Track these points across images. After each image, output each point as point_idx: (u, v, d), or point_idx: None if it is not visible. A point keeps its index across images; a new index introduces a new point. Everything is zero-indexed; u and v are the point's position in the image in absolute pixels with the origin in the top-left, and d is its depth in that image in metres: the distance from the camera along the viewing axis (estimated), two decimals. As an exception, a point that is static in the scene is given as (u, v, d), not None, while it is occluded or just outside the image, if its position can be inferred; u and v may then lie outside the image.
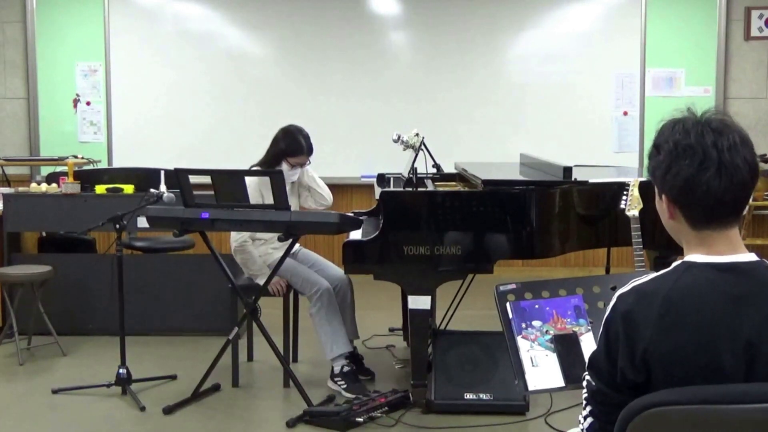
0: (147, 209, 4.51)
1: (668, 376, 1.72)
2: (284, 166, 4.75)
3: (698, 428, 1.66)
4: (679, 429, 1.67)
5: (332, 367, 4.59)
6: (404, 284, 4.37)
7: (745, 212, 7.65)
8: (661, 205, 1.87)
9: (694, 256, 1.81)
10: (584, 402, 1.90)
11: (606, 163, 6.83)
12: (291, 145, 4.77)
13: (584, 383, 1.90)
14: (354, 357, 4.70)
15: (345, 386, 4.47)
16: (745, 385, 1.71)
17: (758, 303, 1.72)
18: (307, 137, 4.83)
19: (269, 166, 4.75)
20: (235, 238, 4.69)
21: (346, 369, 4.54)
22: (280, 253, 4.51)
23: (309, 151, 4.83)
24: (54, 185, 5.87)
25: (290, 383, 4.53)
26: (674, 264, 1.82)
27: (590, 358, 1.87)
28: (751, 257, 1.79)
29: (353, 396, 4.35)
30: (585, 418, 1.91)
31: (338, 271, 4.88)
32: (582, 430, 1.92)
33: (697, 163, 1.75)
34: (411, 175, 4.61)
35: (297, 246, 4.90)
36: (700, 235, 1.81)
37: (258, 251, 4.73)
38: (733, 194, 1.75)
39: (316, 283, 4.62)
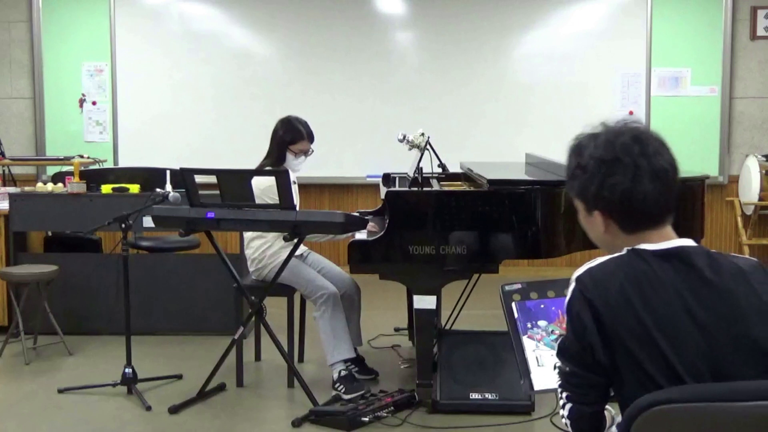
0: (153, 209, 4.52)
1: (631, 355, 1.78)
2: (289, 157, 4.76)
3: (703, 426, 1.67)
4: (683, 427, 1.68)
5: (332, 374, 4.58)
6: (410, 284, 4.37)
7: (750, 213, 7.66)
8: (593, 221, 1.94)
9: (640, 248, 1.88)
10: (559, 390, 1.95)
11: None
12: (290, 132, 4.78)
13: (556, 372, 1.95)
14: (355, 359, 4.69)
15: (344, 390, 4.46)
16: (750, 382, 1.74)
17: (705, 281, 1.81)
18: (305, 124, 4.84)
19: (275, 160, 4.75)
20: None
21: (343, 373, 4.53)
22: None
23: (310, 137, 4.83)
24: (60, 185, 5.88)
25: (296, 383, 4.54)
26: (623, 251, 1.90)
27: (559, 345, 1.93)
28: (690, 242, 1.88)
29: (354, 396, 4.35)
30: (564, 406, 1.95)
31: (346, 276, 4.88)
32: (563, 417, 1.96)
33: (631, 174, 1.83)
34: (416, 175, 4.61)
35: (306, 249, 4.90)
36: (638, 237, 1.89)
37: (267, 253, 4.72)
38: (666, 195, 1.85)
39: (322, 288, 4.62)
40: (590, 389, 1.88)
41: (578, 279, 1.87)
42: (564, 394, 1.94)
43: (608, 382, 1.88)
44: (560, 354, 1.91)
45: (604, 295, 1.81)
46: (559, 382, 1.95)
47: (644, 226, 1.88)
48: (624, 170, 1.84)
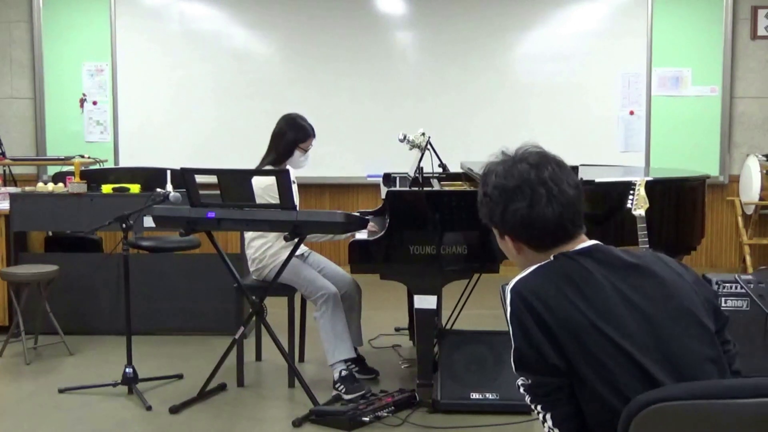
0: (153, 209, 4.52)
1: (584, 350, 1.82)
2: (296, 155, 4.79)
3: (701, 423, 1.67)
4: (682, 424, 1.68)
5: (333, 374, 4.58)
6: (410, 284, 4.36)
7: (750, 212, 7.66)
8: (506, 244, 2.04)
9: (562, 252, 1.95)
10: (532, 405, 1.95)
11: (612, 163, 6.82)
12: (299, 131, 4.81)
13: (521, 390, 1.95)
14: (355, 359, 4.69)
15: (344, 390, 4.46)
16: (748, 380, 1.75)
17: (629, 266, 1.91)
18: (306, 120, 4.90)
19: (284, 158, 4.77)
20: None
21: (344, 373, 4.53)
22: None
23: (313, 133, 4.89)
24: (60, 185, 5.88)
25: (296, 383, 4.54)
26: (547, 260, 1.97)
27: (514, 361, 1.92)
28: (600, 243, 1.98)
29: (354, 396, 4.35)
30: (544, 417, 1.95)
31: (347, 276, 4.88)
32: (549, 428, 1.95)
33: (528, 200, 1.92)
34: (417, 175, 4.61)
35: (306, 249, 4.91)
36: (552, 251, 1.96)
37: (268, 253, 4.72)
38: (568, 214, 1.93)
39: (322, 288, 4.62)
40: (558, 392, 1.89)
41: (513, 290, 1.92)
42: (539, 407, 1.94)
43: (570, 381, 1.89)
44: (518, 369, 1.92)
45: (543, 298, 1.86)
46: (529, 398, 1.95)
47: (553, 244, 1.96)
48: (522, 196, 1.92)
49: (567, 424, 1.93)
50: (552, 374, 1.86)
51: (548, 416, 1.93)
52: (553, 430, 1.94)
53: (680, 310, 1.88)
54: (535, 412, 1.96)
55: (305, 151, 4.84)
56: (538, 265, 1.94)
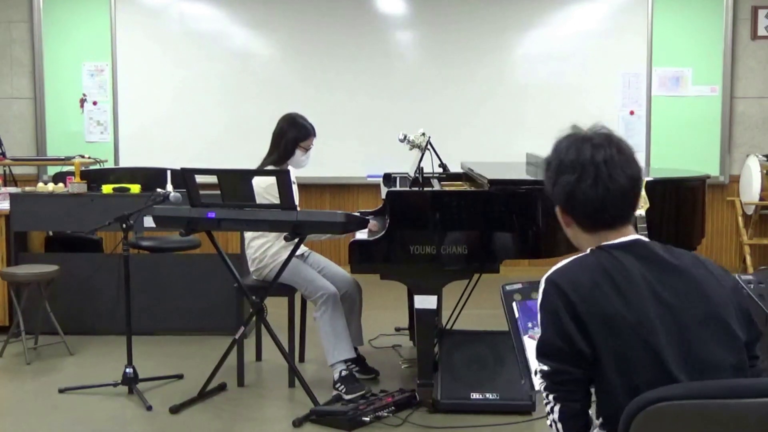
0: (153, 209, 4.52)
1: (611, 342, 1.87)
2: (298, 154, 4.79)
3: (702, 423, 1.68)
4: (682, 424, 1.69)
5: (333, 374, 4.58)
6: (410, 284, 4.37)
7: (751, 212, 7.67)
8: (558, 214, 2.08)
9: (602, 244, 2.00)
10: (545, 394, 1.99)
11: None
12: (300, 130, 4.82)
13: (539, 376, 2.00)
14: (355, 359, 4.69)
15: (345, 390, 4.46)
16: (749, 380, 1.77)
17: (666, 265, 1.94)
18: (307, 120, 4.90)
19: (286, 157, 4.77)
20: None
21: (344, 373, 4.53)
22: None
23: (314, 131, 4.89)
24: (61, 185, 5.88)
25: (296, 383, 4.54)
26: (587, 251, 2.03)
27: (537, 347, 1.99)
28: (644, 238, 2.01)
29: (354, 396, 4.36)
30: (552, 408, 1.99)
31: (347, 275, 4.88)
32: (553, 421, 2.00)
33: (576, 176, 1.97)
34: (417, 175, 4.61)
35: (306, 250, 4.91)
36: (597, 236, 2.02)
37: (268, 253, 4.72)
38: (612, 200, 1.97)
39: (322, 288, 4.62)
40: (575, 385, 1.94)
41: (548, 279, 1.97)
42: (551, 396, 1.98)
43: (590, 378, 1.94)
44: (540, 355, 1.97)
45: (577, 288, 1.91)
46: (544, 385, 1.98)
47: (593, 226, 2.01)
48: (572, 171, 1.98)
49: (571, 423, 1.97)
50: (574, 363, 1.91)
51: (556, 408, 1.97)
52: (556, 423, 1.98)
53: (711, 314, 1.90)
54: (545, 401, 2.00)
55: (306, 150, 4.84)
56: (575, 257, 1.99)
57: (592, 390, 1.98)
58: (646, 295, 1.89)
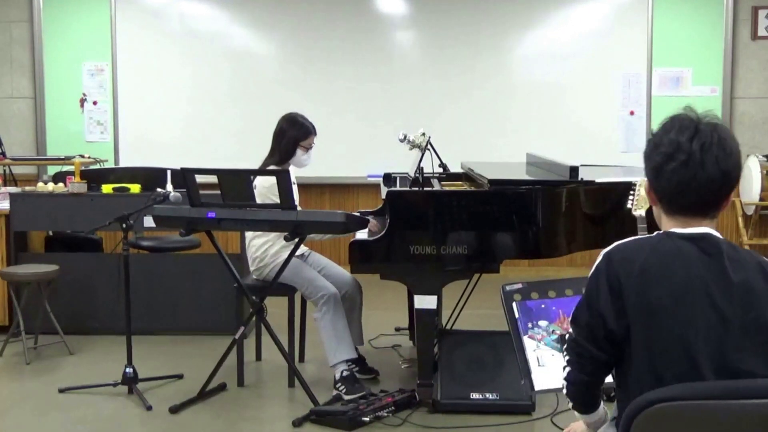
0: (153, 209, 4.52)
1: (646, 327, 1.89)
2: (299, 153, 4.78)
3: (703, 423, 1.68)
4: (684, 424, 1.69)
5: (334, 374, 4.58)
6: (410, 284, 4.36)
7: (751, 213, 7.66)
8: (647, 187, 2.09)
9: (671, 230, 2.00)
10: (564, 353, 2.10)
11: (613, 163, 6.81)
12: (299, 129, 4.82)
13: (567, 336, 2.09)
14: (356, 359, 4.69)
15: (345, 390, 4.46)
16: (750, 380, 1.76)
17: (727, 264, 1.91)
18: (307, 119, 4.90)
19: (287, 157, 4.77)
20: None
21: (345, 374, 4.52)
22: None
23: (315, 131, 4.89)
24: (61, 185, 5.88)
25: (296, 383, 4.54)
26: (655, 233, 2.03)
27: (573, 313, 2.05)
28: (716, 233, 1.99)
29: (355, 397, 4.35)
30: (564, 368, 2.10)
31: (347, 275, 4.88)
32: (564, 380, 2.12)
33: (669, 154, 1.95)
34: (417, 175, 4.61)
35: (307, 249, 4.91)
36: (672, 221, 2.01)
37: (268, 252, 4.72)
38: (695, 188, 1.94)
39: (323, 288, 4.61)
40: (591, 362, 2.01)
41: (606, 253, 2.01)
42: (566, 358, 2.08)
43: (609, 359, 1.98)
44: (572, 320, 2.05)
45: (628, 268, 1.92)
46: (565, 346, 2.09)
47: (675, 210, 2.00)
48: (667, 149, 1.96)
49: (574, 388, 2.10)
50: (596, 343, 1.97)
51: (567, 369, 2.08)
52: (565, 381, 2.11)
53: (756, 323, 1.88)
54: (563, 355, 2.11)
55: (307, 149, 4.84)
56: (638, 238, 2.02)
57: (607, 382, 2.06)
58: (696, 289, 1.88)
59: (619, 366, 1.99)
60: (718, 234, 1.98)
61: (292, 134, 4.79)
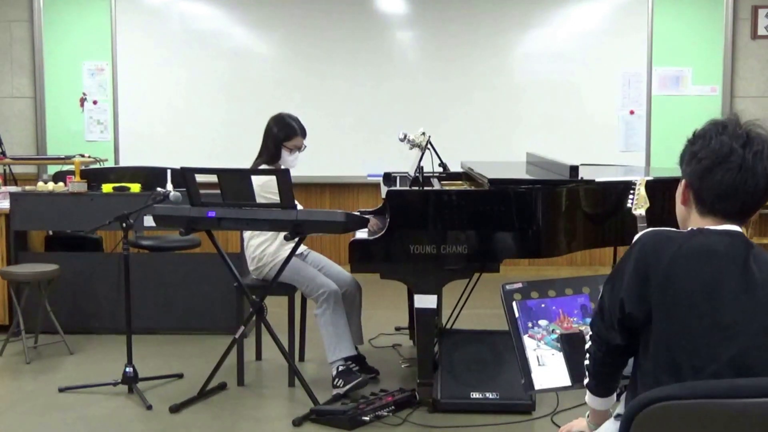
0: (153, 208, 4.52)
1: (669, 317, 1.90)
2: (284, 154, 4.78)
3: (704, 422, 1.67)
4: (684, 423, 1.68)
5: (332, 371, 4.58)
6: (410, 283, 4.36)
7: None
8: (680, 186, 2.10)
9: (705, 227, 2.00)
10: (590, 324, 2.18)
11: (613, 162, 6.82)
12: (283, 129, 4.80)
13: (596, 306, 2.15)
14: (356, 357, 4.69)
15: (342, 383, 4.46)
16: (750, 379, 1.76)
17: (750, 265, 1.91)
18: (297, 120, 4.86)
19: (271, 158, 4.77)
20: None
21: (341, 368, 4.52)
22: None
23: (302, 132, 4.85)
24: (61, 184, 5.88)
25: (296, 382, 4.54)
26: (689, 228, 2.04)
27: (603, 289, 2.09)
28: (741, 231, 2.01)
29: (351, 386, 4.36)
30: (588, 338, 2.17)
31: (347, 274, 4.88)
32: (586, 350, 2.18)
33: (721, 157, 1.94)
34: (417, 174, 4.61)
35: (306, 248, 4.90)
36: (704, 221, 2.01)
37: (268, 252, 4.72)
38: (742, 194, 1.95)
39: (323, 285, 4.62)
40: (605, 344, 2.06)
41: (640, 238, 2.03)
42: (590, 332, 2.15)
43: (622, 344, 2.02)
44: (600, 297, 2.10)
45: (657, 256, 1.93)
46: (591, 319, 2.16)
47: (712, 213, 2.00)
48: (719, 151, 1.95)
49: (593, 360, 2.15)
50: (610, 327, 2.02)
51: (587, 339, 2.17)
52: (588, 351, 2.16)
53: None
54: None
55: (292, 150, 4.82)
56: (675, 229, 2.02)
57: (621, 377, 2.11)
58: (724, 285, 1.88)
59: (636, 357, 2.00)
60: (741, 231, 2.00)
61: (276, 134, 4.78)
